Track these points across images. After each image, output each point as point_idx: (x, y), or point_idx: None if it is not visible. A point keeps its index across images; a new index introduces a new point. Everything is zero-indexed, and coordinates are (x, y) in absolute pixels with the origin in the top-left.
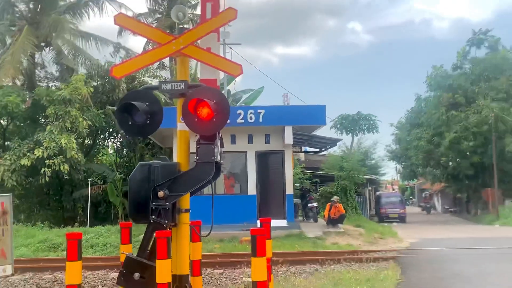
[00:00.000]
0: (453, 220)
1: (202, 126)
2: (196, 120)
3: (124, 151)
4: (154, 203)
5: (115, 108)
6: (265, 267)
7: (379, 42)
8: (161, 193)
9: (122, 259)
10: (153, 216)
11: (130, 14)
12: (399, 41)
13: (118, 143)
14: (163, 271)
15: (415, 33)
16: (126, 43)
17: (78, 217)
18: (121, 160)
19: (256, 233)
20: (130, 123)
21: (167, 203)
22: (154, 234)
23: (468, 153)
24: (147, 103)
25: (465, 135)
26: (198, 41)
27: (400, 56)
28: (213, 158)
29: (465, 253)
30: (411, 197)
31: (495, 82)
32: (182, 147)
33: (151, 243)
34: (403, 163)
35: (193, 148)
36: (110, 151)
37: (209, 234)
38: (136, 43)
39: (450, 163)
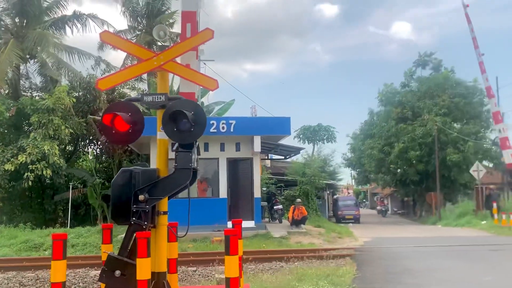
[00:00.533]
0: (401, 221)
1: (181, 135)
2: (175, 129)
3: (103, 157)
4: (135, 206)
5: (96, 117)
6: (237, 264)
7: (336, 61)
8: (141, 197)
9: (104, 258)
10: (133, 218)
11: (111, 30)
12: (354, 60)
13: (98, 149)
14: (143, 268)
15: (369, 54)
16: (106, 57)
17: (59, 219)
18: (100, 165)
19: (229, 233)
20: (113, 131)
21: (147, 206)
22: (135, 235)
23: (414, 161)
24: (129, 114)
25: (412, 146)
26: (178, 58)
27: (355, 74)
28: (190, 165)
29: (413, 250)
30: (364, 200)
31: (438, 99)
32: (162, 154)
33: (131, 243)
34: (357, 170)
35: (171, 155)
36: (90, 157)
37: (185, 234)
38: (115, 57)
39: (399, 170)
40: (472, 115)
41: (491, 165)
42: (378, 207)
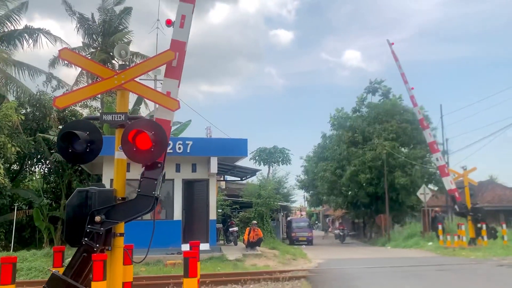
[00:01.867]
0: (352, 242)
1: (140, 155)
2: (134, 149)
3: (52, 177)
4: (89, 226)
5: (45, 135)
6: (197, 287)
7: (291, 86)
8: (97, 218)
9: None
10: (86, 239)
11: (64, 47)
12: (308, 85)
13: (46, 169)
14: None
15: (321, 79)
16: (57, 73)
17: (1, 242)
18: (48, 186)
19: (188, 255)
20: (70, 150)
21: (102, 228)
22: (83, 256)
23: (364, 184)
24: (87, 132)
25: (362, 169)
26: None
27: (309, 98)
28: (153, 193)
29: (364, 271)
30: (316, 221)
31: (387, 124)
32: (119, 175)
33: (78, 263)
34: (310, 192)
35: (129, 176)
36: (38, 177)
37: (144, 259)
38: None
39: (350, 192)
40: (418, 140)
41: (436, 188)
42: (336, 231)
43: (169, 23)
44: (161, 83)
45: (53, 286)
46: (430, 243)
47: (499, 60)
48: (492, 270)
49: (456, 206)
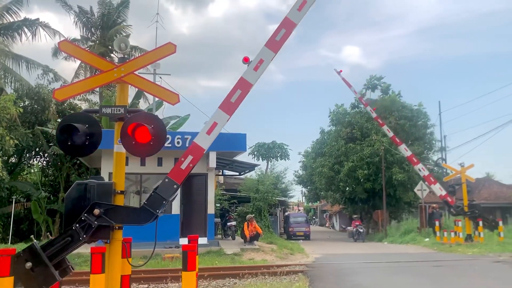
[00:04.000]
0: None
1: (139, 148)
2: (133, 143)
3: (50, 170)
4: (85, 215)
5: (44, 128)
6: (195, 280)
7: (290, 81)
8: (96, 211)
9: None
10: (77, 225)
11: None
12: (307, 81)
13: (45, 162)
14: (97, 285)
15: (321, 75)
16: (55, 66)
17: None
18: (46, 179)
19: (187, 249)
20: (69, 143)
21: (96, 222)
22: (66, 240)
23: (362, 180)
24: (87, 125)
25: (360, 165)
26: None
27: (308, 94)
28: (157, 210)
29: (362, 266)
30: (314, 217)
31: (385, 120)
32: (118, 168)
33: (59, 245)
34: (308, 187)
35: (128, 169)
36: (36, 170)
37: (150, 258)
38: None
39: (348, 188)
40: (416, 137)
41: None
42: (350, 228)
43: (246, 60)
44: (160, 77)
45: (28, 256)
46: (427, 239)
47: (498, 57)
48: (488, 266)
49: (451, 210)
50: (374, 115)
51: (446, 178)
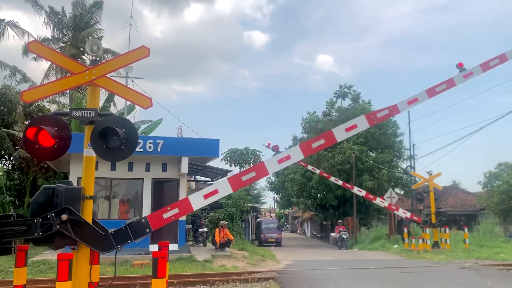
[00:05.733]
0: (320, 244)
1: (110, 153)
2: (104, 147)
3: (16, 173)
4: (53, 215)
5: (10, 130)
6: None
7: (264, 88)
8: (64, 216)
9: (17, 282)
10: (39, 220)
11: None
12: (280, 88)
13: (10, 165)
14: None
15: (294, 83)
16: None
17: None
18: (11, 183)
19: (157, 255)
20: (37, 146)
21: (58, 227)
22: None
23: (333, 187)
24: (55, 128)
25: (331, 172)
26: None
27: (281, 101)
28: (119, 246)
29: (332, 273)
30: (285, 223)
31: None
32: (88, 173)
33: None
34: (280, 194)
35: (97, 174)
36: (0, 174)
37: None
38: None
39: (319, 195)
40: (386, 145)
41: (402, 192)
42: (333, 234)
43: (276, 149)
44: (133, 81)
45: None
46: (396, 246)
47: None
48: (455, 272)
49: (420, 225)
50: (317, 171)
51: (414, 186)
